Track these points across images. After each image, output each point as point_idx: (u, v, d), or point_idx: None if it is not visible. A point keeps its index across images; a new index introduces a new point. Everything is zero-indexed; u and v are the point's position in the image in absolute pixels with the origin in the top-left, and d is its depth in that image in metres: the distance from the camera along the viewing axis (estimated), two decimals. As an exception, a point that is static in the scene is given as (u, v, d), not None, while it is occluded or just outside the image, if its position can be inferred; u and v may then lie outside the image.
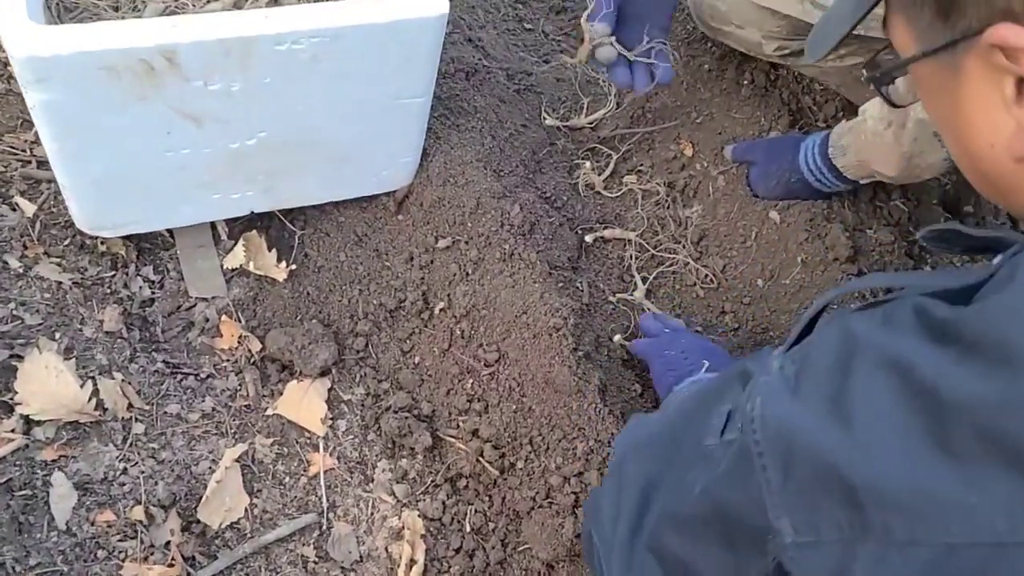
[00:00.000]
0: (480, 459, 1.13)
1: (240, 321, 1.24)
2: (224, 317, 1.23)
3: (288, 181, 1.21)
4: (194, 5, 1.11)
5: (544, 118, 1.49)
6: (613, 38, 1.17)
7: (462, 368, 1.19)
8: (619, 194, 1.44)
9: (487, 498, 1.13)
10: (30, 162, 1.23)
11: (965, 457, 0.41)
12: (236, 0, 1.13)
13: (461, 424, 1.16)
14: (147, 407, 1.13)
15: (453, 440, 1.16)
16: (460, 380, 1.18)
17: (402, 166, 1.28)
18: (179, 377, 1.18)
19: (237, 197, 1.20)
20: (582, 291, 1.29)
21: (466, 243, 1.25)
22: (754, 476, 0.54)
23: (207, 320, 1.23)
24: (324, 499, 1.14)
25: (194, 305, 1.24)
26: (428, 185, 1.28)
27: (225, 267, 1.26)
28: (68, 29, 0.89)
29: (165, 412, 1.14)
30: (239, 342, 1.22)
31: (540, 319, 1.16)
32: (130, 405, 1.12)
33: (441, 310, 1.23)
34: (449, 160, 1.28)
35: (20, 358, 1.08)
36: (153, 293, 1.23)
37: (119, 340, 1.17)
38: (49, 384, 1.05)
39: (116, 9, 1.10)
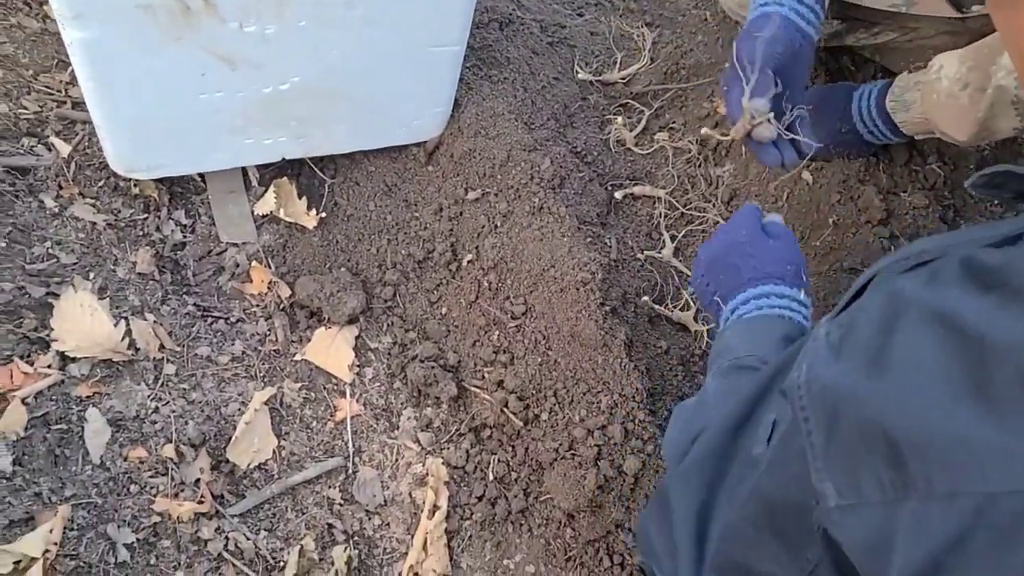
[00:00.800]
0: (504, 410, 1.14)
1: (270, 267, 1.25)
2: (254, 263, 1.24)
3: (319, 128, 1.21)
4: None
5: (577, 72, 1.47)
6: (772, 115, 1.04)
7: (489, 320, 1.19)
8: (650, 151, 1.43)
9: (510, 448, 1.14)
10: (65, 103, 1.23)
11: (1006, 403, 0.41)
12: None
13: (486, 375, 1.17)
14: (178, 348, 1.15)
15: (478, 390, 1.17)
16: (486, 332, 1.19)
17: (433, 116, 1.27)
18: (209, 320, 1.20)
19: (269, 143, 1.20)
20: (610, 247, 1.28)
21: (495, 195, 1.24)
22: (799, 443, 0.54)
23: (237, 265, 1.24)
24: (350, 444, 1.15)
25: (225, 250, 1.25)
26: (459, 136, 1.27)
27: (256, 213, 1.27)
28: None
29: (196, 354, 1.16)
30: (269, 288, 1.23)
31: (568, 273, 1.16)
32: (162, 346, 1.14)
33: (469, 262, 1.23)
34: (480, 111, 1.27)
35: (56, 296, 1.10)
36: (185, 237, 1.24)
37: (151, 282, 1.18)
38: (84, 322, 1.07)
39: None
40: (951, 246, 0.52)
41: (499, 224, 1.23)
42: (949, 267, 0.49)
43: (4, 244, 1.09)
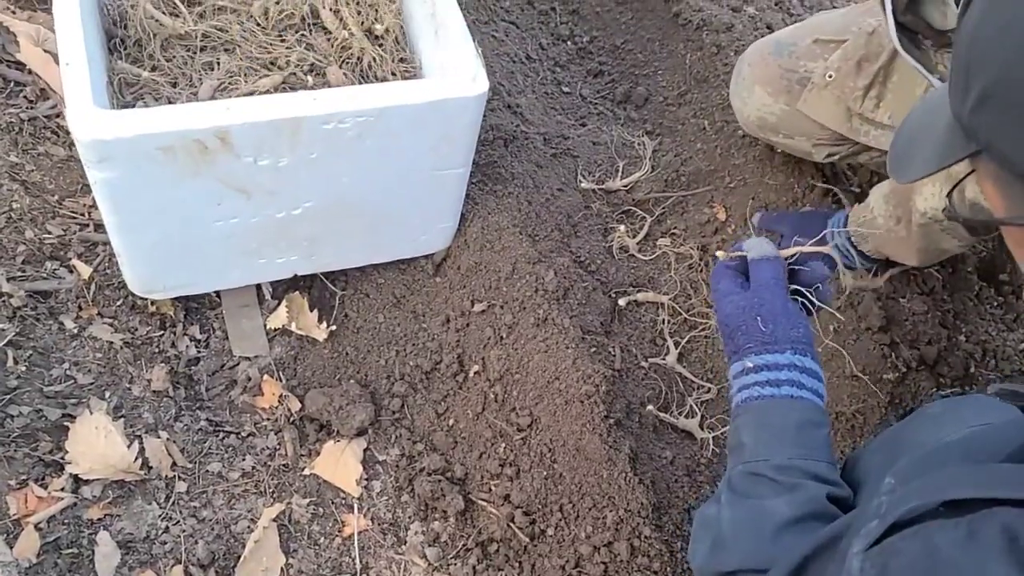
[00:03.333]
0: (511, 525, 1.14)
1: (281, 380, 1.28)
2: (266, 376, 1.27)
3: (330, 246, 1.25)
4: (246, 81, 1.17)
5: (580, 181, 1.52)
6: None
7: (495, 432, 1.21)
8: (653, 257, 1.46)
9: (517, 564, 1.14)
10: (88, 225, 1.29)
11: None
12: (286, 76, 1.19)
13: (493, 488, 1.18)
14: (190, 465, 1.17)
15: (485, 504, 1.18)
16: (493, 444, 1.20)
17: (440, 231, 1.31)
18: (221, 435, 1.22)
19: (282, 261, 1.24)
20: (614, 356, 1.31)
21: (501, 307, 1.27)
22: None
23: (249, 379, 1.27)
24: (357, 560, 1.16)
25: (237, 364, 1.29)
26: (465, 250, 1.31)
27: (268, 327, 1.31)
28: (128, 114, 0.94)
29: (207, 471, 1.18)
30: (279, 401, 1.26)
31: (572, 386, 1.18)
32: (174, 464, 1.16)
33: (475, 373, 1.26)
34: (486, 226, 1.31)
35: (72, 418, 1.13)
36: (199, 352, 1.28)
37: (165, 399, 1.21)
38: (98, 444, 1.09)
39: (174, 85, 1.17)
40: (979, 485, 0.51)
41: (504, 336, 1.26)
42: (989, 530, 0.49)
43: (24, 368, 1.13)
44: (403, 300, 1.34)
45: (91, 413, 1.12)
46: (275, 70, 1.20)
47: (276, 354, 1.30)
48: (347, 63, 1.23)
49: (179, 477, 1.15)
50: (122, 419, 1.16)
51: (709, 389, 1.33)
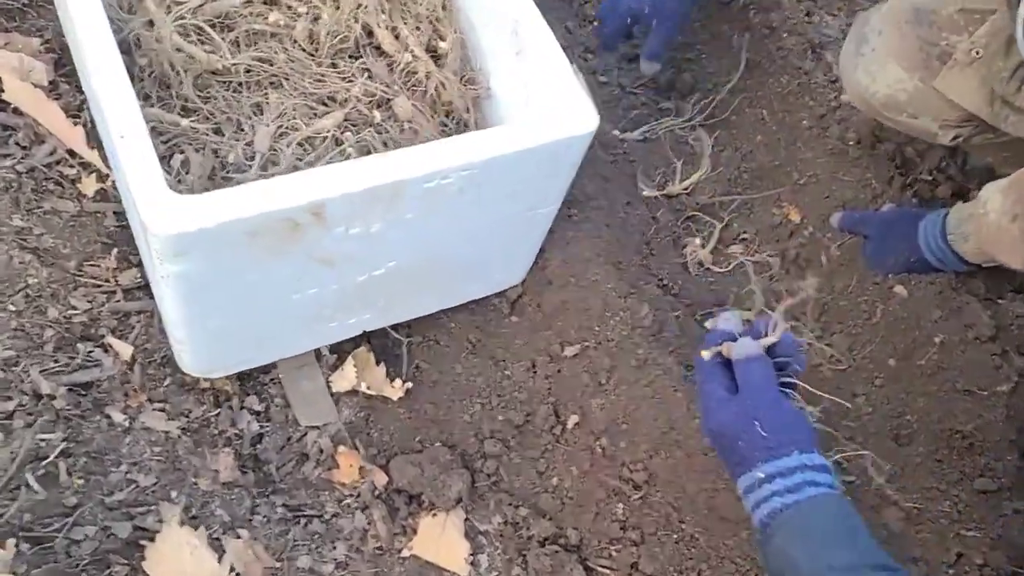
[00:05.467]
0: (642, 594, 1.06)
1: (358, 449, 1.14)
2: (340, 447, 1.14)
3: (405, 299, 1.11)
4: (307, 124, 1.00)
5: (642, 189, 1.40)
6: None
7: (608, 491, 1.11)
8: (728, 268, 1.37)
9: (654, 636, 1.06)
10: (115, 292, 1.11)
11: None
12: (347, 112, 1.03)
13: (615, 555, 1.08)
14: (278, 564, 1.04)
15: (609, 574, 1.08)
16: (607, 504, 1.10)
17: (518, 267, 1.19)
18: (303, 522, 1.09)
19: (353, 322, 1.10)
20: (719, 391, 1.21)
21: (595, 349, 1.16)
22: None
23: (321, 451, 1.14)
24: (478, 648, 1.06)
25: (305, 435, 1.15)
26: (547, 286, 1.19)
27: (334, 389, 1.16)
28: (212, 199, 0.78)
29: (297, 567, 1.05)
30: (360, 474, 1.13)
31: (691, 436, 1.09)
32: (263, 567, 1.02)
33: (576, 425, 1.15)
34: (568, 257, 1.19)
35: (143, 530, 0.98)
36: (261, 427, 1.13)
37: (236, 489, 1.07)
38: (184, 563, 0.95)
39: (217, 132, 0.99)
40: None
41: (603, 381, 1.15)
42: None
43: (81, 480, 0.97)
44: (479, 345, 1.21)
45: (168, 525, 0.97)
46: (334, 106, 1.03)
47: (346, 418, 1.17)
48: (413, 90, 1.07)
49: (270, 580, 1.02)
50: (195, 520, 1.02)
51: (812, 413, 1.26)
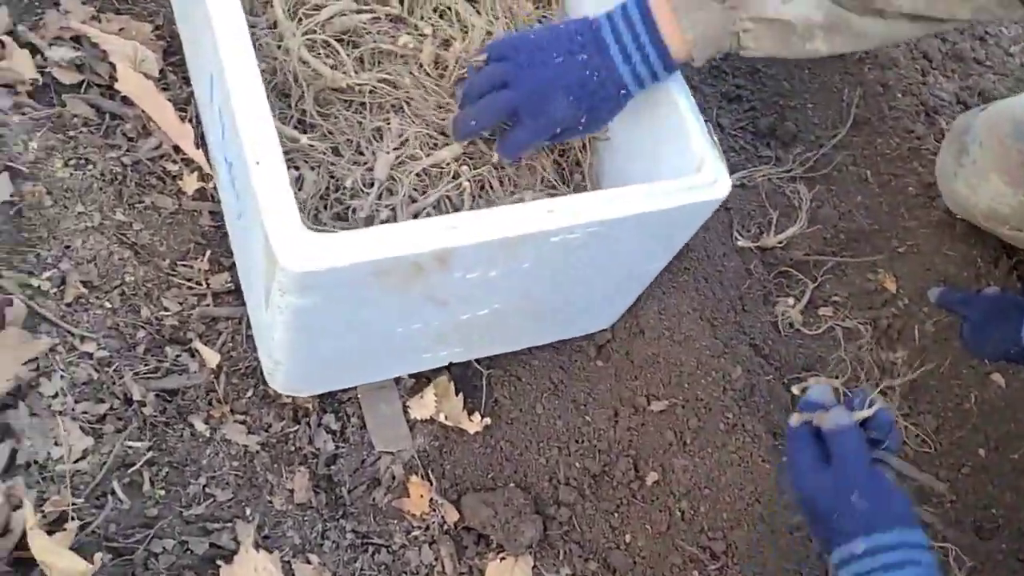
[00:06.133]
0: (709, 667, 1.03)
1: (430, 480, 1.12)
2: (412, 477, 1.12)
3: (497, 336, 1.09)
4: (427, 154, 0.97)
5: (736, 239, 1.36)
6: None
7: (684, 556, 1.08)
8: (818, 332, 1.33)
9: None
10: (205, 296, 1.09)
11: None
12: (465, 146, 1.00)
13: (686, 624, 1.06)
14: (345, 594, 1.02)
15: (677, 642, 1.06)
16: (681, 570, 1.08)
17: (610, 314, 1.16)
18: (371, 550, 1.07)
19: (444, 354, 1.07)
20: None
21: (683, 407, 1.13)
22: None
23: (393, 478, 1.12)
24: None
25: (378, 459, 1.12)
26: (639, 336, 1.16)
27: (413, 417, 1.14)
28: (345, 239, 0.76)
29: (364, 598, 1.03)
30: (431, 506, 1.11)
31: (777, 513, 1.06)
32: (331, 596, 1.01)
33: (655, 483, 1.12)
34: (664, 309, 1.16)
35: (218, 548, 0.96)
36: (337, 447, 1.11)
37: (309, 511, 1.05)
38: (259, 589, 0.94)
39: (335, 152, 0.97)
40: None
41: (688, 442, 1.12)
42: None
43: (163, 490, 0.96)
44: (562, 387, 1.18)
45: (244, 547, 0.95)
46: (454, 139, 1.00)
47: (419, 445, 1.14)
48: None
49: (336, 611, 1.01)
50: (267, 540, 1.00)
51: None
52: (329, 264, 0.74)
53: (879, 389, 0.90)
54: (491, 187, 0.99)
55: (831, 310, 1.36)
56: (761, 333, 1.28)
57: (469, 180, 0.98)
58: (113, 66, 1.11)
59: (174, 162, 1.12)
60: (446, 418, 1.15)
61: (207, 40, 0.89)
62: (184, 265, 1.09)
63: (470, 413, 1.16)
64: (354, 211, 0.94)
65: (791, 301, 1.33)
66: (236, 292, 1.10)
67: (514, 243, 0.83)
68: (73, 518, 0.86)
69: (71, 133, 1.06)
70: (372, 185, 0.94)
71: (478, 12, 1.05)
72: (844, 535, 0.79)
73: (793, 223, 1.40)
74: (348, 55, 0.99)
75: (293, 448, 1.08)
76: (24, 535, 0.82)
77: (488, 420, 1.15)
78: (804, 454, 0.84)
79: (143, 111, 1.11)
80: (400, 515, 1.10)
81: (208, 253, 1.10)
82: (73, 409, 0.92)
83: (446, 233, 0.79)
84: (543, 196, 1.01)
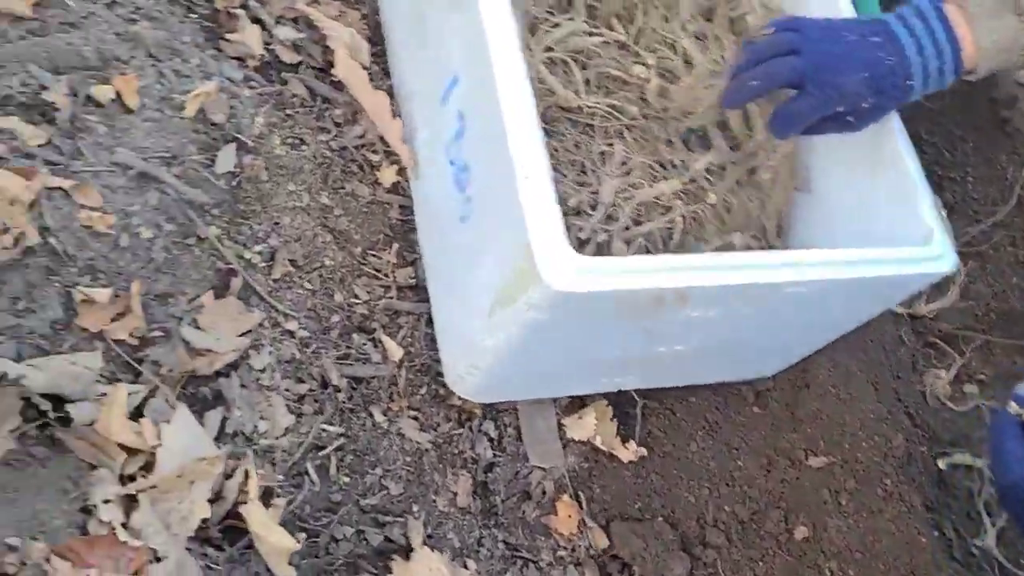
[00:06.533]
0: None
1: (579, 502, 1.13)
2: (564, 496, 1.12)
3: (673, 371, 1.09)
4: (650, 184, 0.98)
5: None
6: None
7: (829, 617, 1.08)
8: (964, 409, 1.32)
9: None
10: (389, 288, 1.10)
11: None
12: (685, 183, 1.00)
13: None
14: (497, 604, 1.03)
15: None
16: (827, 631, 1.07)
17: (780, 363, 1.16)
18: (520, 563, 1.07)
19: (619, 380, 1.08)
20: (951, 540, 1.17)
21: (841, 467, 1.13)
22: None
23: (544, 494, 1.12)
24: None
25: (531, 472, 1.13)
26: (803, 389, 1.16)
27: (570, 437, 1.15)
28: (611, 264, 0.76)
29: (512, 611, 1.04)
30: (579, 528, 1.11)
31: (932, 589, 1.05)
32: (486, 605, 1.01)
33: (805, 539, 1.12)
34: (834, 366, 1.16)
35: (389, 541, 0.97)
36: (495, 456, 1.11)
37: (467, 515, 1.06)
38: (430, 590, 0.94)
39: (557, 170, 0.98)
40: None
41: (843, 503, 1.12)
42: None
43: (346, 477, 0.97)
44: (716, 428, 1.18)
45: (418, 545, 0.96)
46: (673, 172, 1.01)
47: (570, 464, 1.15)
48: (749, 173, 1.04)
49: (488, 620, 1.01)
50: (431, 540, 1.01)
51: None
52: (591, 287, 0.75)
53: None
54: (703, 226, 0.99)
55: (977, 388, 1.35)
56: (914, 402, 1.28)
57: (684, 215, 0.99)
58: (328, 50, 1.13)
59: (375, 152, 1.13)
60: (601, 442, 1.15)
61: (458, 43, 0.90)
62: (373, 255, 1.11)
63: (624, 440, 1.16)
64: (569, 229, 0.94)
65: (940, 373, 1.33)
66: (417, 289, 1.11)
67: (753, 289, 0.83)
68: (278, 494, 0.87)
69: (288, 112, 1.08)
70: (595, 207, 0.95)
71: (703, 50, 1.06)
72: None
73: (945, 295, 1.40)
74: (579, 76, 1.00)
75: (456, 451, 1.09)
76: (234, 504, 0.83)
77: (643, 450, 1.16)
78: (1015, 441, 0.82)
79: (353, 98, 1.13)
80: (547, 532, 1.11)
81: (395, 246, 1.12)
82: (279, 386, 0.93)
83: (703, 272, 0.79)
84: (750, 239, 1.02)
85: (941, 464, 1.26)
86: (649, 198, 0.97)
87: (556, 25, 1.01)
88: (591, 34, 1.03)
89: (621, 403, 1.20)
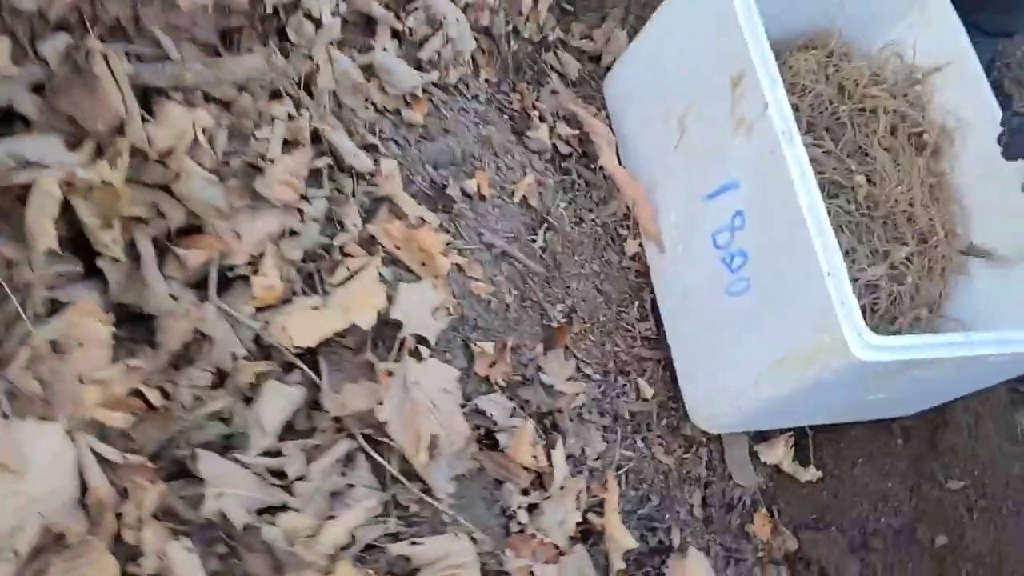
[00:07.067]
0: None
1: (771, 512, 1.41)
2: (760, 508, 1.40)
3: (852, 411, 1.38)
4: (865, 269, 1.27)
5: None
6: None
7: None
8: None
9: None
10: (636, 339, 1.37)
11: None
12: (893, 264, 1.30)
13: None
14: (725, 595, 1.30)
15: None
16: (965, 617, 1.38)
17: (926, 405, 1.46)
18: (732, 562, 1.35)
19: (821, 417, 1.37)
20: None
21: (972, 488, 1.44)
22: None
23: (744, 506, 1.40)
24: None
25: (733, 489, 1.41)
26: (941, 426, 1.47)
27: (761, 458, 1.43)
28: (899, 343, 1.05)
29: (737, 599, 1.31)
30: (773, 534, 1.40)
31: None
32: (723, 594, 1.29)
33: (943, 546, 1.43)
34: (967, 408, 1.47)
35: (660, 542, 1.24)
36: (709, 475, 1.39)
37: (698, 523, 1.33)
38: (699, 580, 1.21)
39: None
40: None
41: (975, 517, 1.43)
42: None
43: (633, 491, 1.23)
44: (873, 456, 1.48)
45: (690, 547, 1.23)
46: (880, 259, 1.30)
47: (760, 483, 1.43)
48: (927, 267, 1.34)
49: (722, 604, 1.29)
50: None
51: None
52: (884, 358, 1.04)
53: None
54: (901, 302, 1.29)
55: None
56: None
57: (888, 293, 1.28)
58: (589, 141, 1.39)
59: (624, 227, 1.40)
60: (786, 466, 1.44)
61: (743, 157, 1.18)
62: (623, 311, 1.37)
63: (803, 464, 1.45)
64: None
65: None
66: (654, 340, 1.38)
67: (982, 361, 1.13)
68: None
69: (570, 194, 1.34)
70: (832, 288, 1.23)
71: (895, 163, 1.36)
72: None
73: None
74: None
75: (686, 472, 1.36)
76: (586, 511, 1.09)
77: (819, 472, 1.45)
78: None
79: (612, 183, 1.39)
80: (748, 537, 1.39)
81: (635, 303, 1.38)
82: (593, 420, 1.19)
83: (952, 348, 1.09)
84: (926, 312, 1.32)
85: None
86: (868, 279, 1.26)
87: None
88: (817, 145, 1.32)
89: (796, 433, 1.49)
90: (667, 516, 1.29)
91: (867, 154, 1.36)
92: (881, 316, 1.28)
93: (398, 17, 1.13)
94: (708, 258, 1.25)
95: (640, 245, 1.40)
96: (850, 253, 1.27)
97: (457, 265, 1.08)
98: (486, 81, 1.28)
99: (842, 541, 1.40)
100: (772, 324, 1.14)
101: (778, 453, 1.43)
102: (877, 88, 1.40)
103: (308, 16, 0.98)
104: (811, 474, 1.44)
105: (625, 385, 1.32)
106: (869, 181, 1.34)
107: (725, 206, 1.22)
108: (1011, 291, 1.32)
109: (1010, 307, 1.32)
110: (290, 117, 0.95)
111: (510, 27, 1.32)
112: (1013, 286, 1.31)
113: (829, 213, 1.25)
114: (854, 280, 1.25)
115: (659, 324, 1.37)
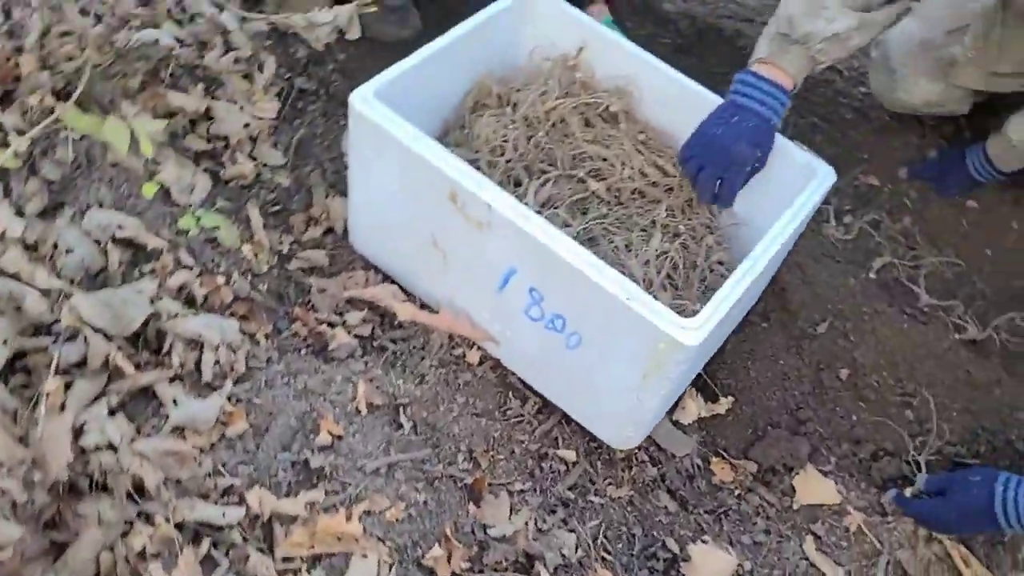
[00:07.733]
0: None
1: (722, 456, 1.57)
2: (713, 458, 1.56)
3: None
4: (647, 247, 1.43)
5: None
6: None
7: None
8: None
9: None
10: (531, 423, 1.48)
11: None
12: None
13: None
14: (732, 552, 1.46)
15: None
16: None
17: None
18: (722, 519, 1.50)
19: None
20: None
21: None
22: None
23: (699, 468, 1.55)
24: None
25: (680, 461, 1.55)
26: (787, 290, 1.67)
27: (682, 421, 1.58)
28: (711, 311, 1.20)
29: (741, 543, 1.47)
30: (733, 470, 1.56)
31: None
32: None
33: (848, 375, 1.64)
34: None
35: (668, 550, 1.38)
36: (658, 470, 1.53)
37: (679, 516, 1.47)
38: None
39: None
40: None
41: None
42: None
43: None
44: (753, 353, 1.66)
45: (696, 549, 1.37)
46: (653, 230, 1.46)
47: (696, 441, 1.58)
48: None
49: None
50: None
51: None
52: (712, 325, 1.19)
53: None
54: (689, 247, 1.46)
55: None
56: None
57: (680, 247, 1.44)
58: (379, 308, 1.48)
59: (457, 346, 1.50)
60: (704, 412, 1.60)
61: (505, 249, 1.29)
62: (507, 410, 1.48)
63: (714, 400, 1.62)
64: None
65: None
66: (546, 408, 1.49)
67: (773, 262, 1.31)
68: None
69: (399, 363, 1.43)
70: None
71: (606, 147, 1.51)
72: None
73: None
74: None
75: (642, 482, 1.49)
76: None
77: (731, 397, 1.62)
78: None
79: (420, 327, 1.48)
80: (720, 489, 1.54)
81: (510, 392, 1.49)
82: (550, 525, 1.30)
83: (750, 273, 1.26)
84: (712, 239, 1.50)
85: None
86: (656, 251, 1.42)
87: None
88: (544, 182, 1.46)
89: (693, 383, 1.65)
90: (654, 534, 1.42)
91: (583, 156, 1.51)
92: (688, 272, 1.44)
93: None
94: (535, 331, 1.37)
95: (479, 348, 1.51)
96: (630, 247, 1.42)
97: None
98: (266, 336, 1.34)
99: (783, 433, 1.58)
100: (619, 355, 1.27)
101: (693, 410, 1.59)
102: (552, 99, 1.54)
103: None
104: (725, 404, 1.61)
105: (552, 466, 1.43)
106: (600, 178, 1.49)
107: (518, 289, 1.33)
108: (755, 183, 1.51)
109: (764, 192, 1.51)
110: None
111: (249, 277, 1.38)
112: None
113: (590, 230, 1.40)
114: (646, 263, 1.40)
115: (539, 393, 1.49)
